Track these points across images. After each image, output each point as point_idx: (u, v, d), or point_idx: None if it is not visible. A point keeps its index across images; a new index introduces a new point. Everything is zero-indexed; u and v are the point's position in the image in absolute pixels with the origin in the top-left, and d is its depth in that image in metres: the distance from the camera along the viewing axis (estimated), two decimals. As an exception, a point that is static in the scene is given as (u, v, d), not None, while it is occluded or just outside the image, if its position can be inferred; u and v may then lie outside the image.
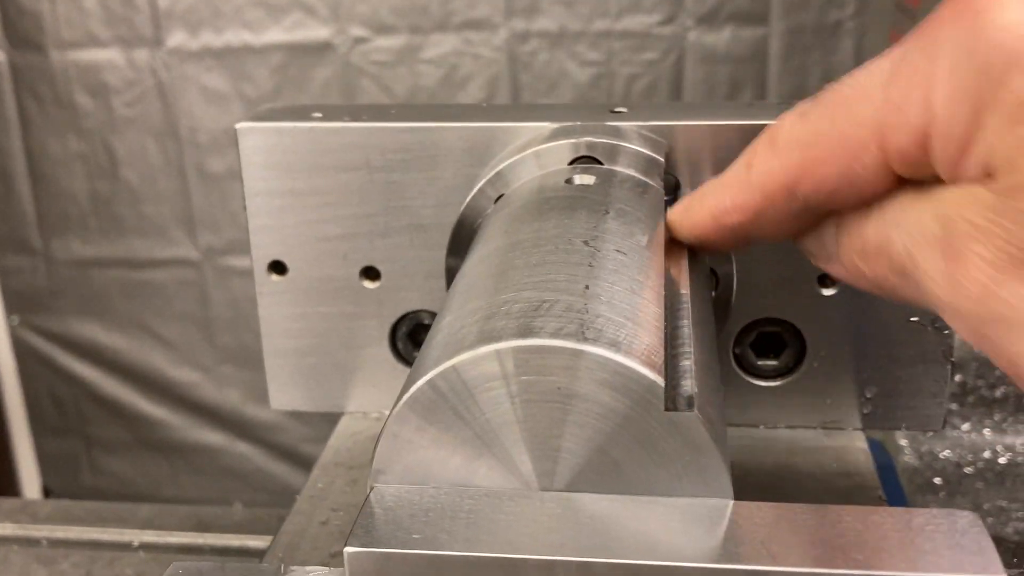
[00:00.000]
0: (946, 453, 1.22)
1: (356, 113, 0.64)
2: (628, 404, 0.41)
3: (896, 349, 0.64)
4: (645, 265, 0.49)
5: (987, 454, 1.21)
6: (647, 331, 0.43)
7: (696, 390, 0.42)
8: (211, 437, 2.56)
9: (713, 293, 0.62)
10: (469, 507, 0.42)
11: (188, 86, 2.32)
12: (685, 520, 0.41)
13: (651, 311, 0.45)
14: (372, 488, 0.44)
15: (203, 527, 0.80)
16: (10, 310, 2.49)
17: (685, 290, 0.50)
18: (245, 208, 0.65)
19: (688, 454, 0.41)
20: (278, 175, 0.64)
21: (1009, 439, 1.22)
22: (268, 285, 0.67)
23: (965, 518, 0.41)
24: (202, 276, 2.43)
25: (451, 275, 0.63)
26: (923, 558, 0.38)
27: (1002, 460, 1.20)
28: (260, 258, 0.66)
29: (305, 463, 2.67)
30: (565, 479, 0.43)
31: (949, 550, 0.39)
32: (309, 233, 0.65)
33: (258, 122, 0.63)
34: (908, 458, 1.23)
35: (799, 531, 0.40)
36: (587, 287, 0.45)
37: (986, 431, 1.22)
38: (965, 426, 1.23)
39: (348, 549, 0.40)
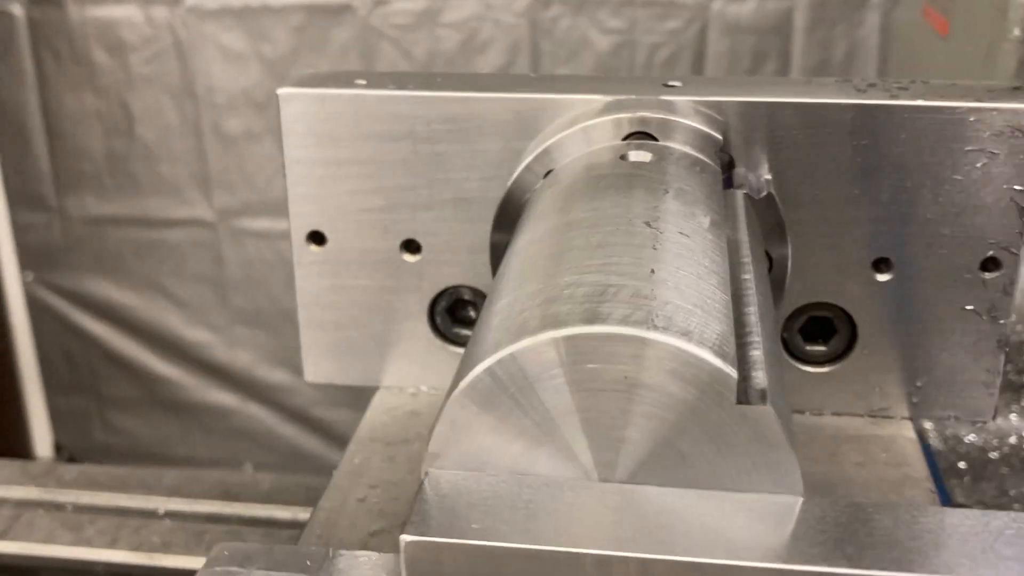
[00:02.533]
0: (971, 438, 1.21)
1: (401, 81, 0.62)
2: (698, 395, 0.39)
3: (949, 337, 0.62)
4: (709, 249, 0.47)
5: (1013, 439, 1.20)
6: (717, 319, 0.41)
7: (768, 383, 0.40)
8: (222, 397, 2.55)
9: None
10: (528, 496, 0.41)
11: (206, 45, 2.29)
12: (753, 516, 0.40)
13: (719, 298, 0.43)
14: (427, 473, 0.42)
15: (230, 496, 0.79)
16: (24, 266, 2.48)
17: (748, 275, 0.49)
18: (284, 176, 0.63)
19: (759, 448, 0.40)
20: (320, 143, 0.62)
21: (1036, 425, 1.20)
22: (307, 256, 0.65)
23: (1046, 522, 0.39)
24: (216, 237, 2.41)
25: (496, 251, 0.61)
26: (1004, 564, 0.37)
27: (1028, 445, 1.19)
28: (299, 228, 0.64)
29: (316, 426, 2.66)
30: (628, 470, 0.41)
31: (1031, 556, 0.37)
32: (350, 204, 0.63)
33: (301, 88, 0.61)
34: (933, 441, 1.22)
35: (874, 532, 0.39)
36: (653, 271, 0.43)
37: (1012, 416, 1.21)
38: (991, 410, 1.22)
39: (405, 537, 0.38)
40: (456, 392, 0.41)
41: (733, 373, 0.38)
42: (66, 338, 2.54)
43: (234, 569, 0.42)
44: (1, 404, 2.51)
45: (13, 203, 2.48)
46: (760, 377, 0.41)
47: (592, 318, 0.39)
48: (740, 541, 0.39)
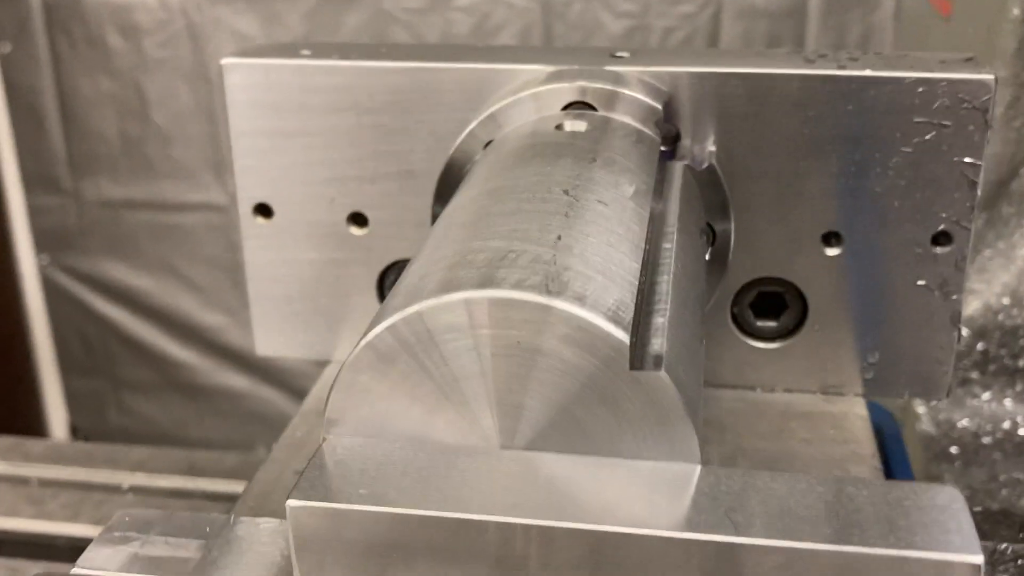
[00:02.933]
0: (964, 422, 1.19)
1: (346, 52, 0.61)
2: (593, 362, 0.38)
3: (902, 314, 0.61)
4: (627, 217, 0.46)
5: (1007, 425, 1.18)
6: (618, 286, 0.40)
7: (666, 349, 0.39)
8: (236, 381, 2.56)
9: (709, 250, 0.59)
10: (423, 462, 0.40)
11: (219, 29, 2.29)
12: (649, 485, 0.39)
13: (626, 265, 0.42)
14: (324, 440, 0.42)
15: (195, 472, 0.79)
16: (40, 249, 2.50)
17: (670, 244, 0.48)
18: (231, 147, 0.63)
19: (654, 415, 0.39)
20: (264, 114, 0.61)
21: (1031, 410, 1.18)
22: (254, 228, 0.65)
23: (946, 493, 0.38)
24: (230, 221, 2.42)
25: (440, 204, 0.61)
26: (896, 534, 0.36)
27: (1022, 431, 1.17)
28: (246, 200, 0.64)
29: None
30: (527, 437, 0.41)
31: (926, 527, 0.36)
32: (296, 176, 0.63)
33: (244, 58, 0.61)
34: (925, 426, 1.20)
35: (768, 501, 0.38)
36: (559, 237, 0.42)
37: (1007, 401, 1.19)
38: (986, 395, 1.20)
39: (290, 502, 0.38)
40: (356, 350, 0.41)
41: (626, 339, 0.38)
42: (81, 321, 2.56)
43: (131, 534, 0.42)
44: (17, 386, 2.54)
45: (28, 186, 2.51)
46: (658, 343, 0.40)
47: (486, 282, 0.39)
48: (636, 509, 0.38)
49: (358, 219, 0.64)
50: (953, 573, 0.35)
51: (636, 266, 0.43)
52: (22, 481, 0.78)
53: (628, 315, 0.39)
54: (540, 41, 2.27)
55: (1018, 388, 1.19)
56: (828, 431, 0.60)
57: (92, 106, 2.41)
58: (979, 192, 0.58)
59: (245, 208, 0.64)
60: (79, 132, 2.43)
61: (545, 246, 0.41)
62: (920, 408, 1.19)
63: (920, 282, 0.60)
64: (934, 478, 1.16)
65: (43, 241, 2.53)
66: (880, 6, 2.16)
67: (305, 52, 0.61)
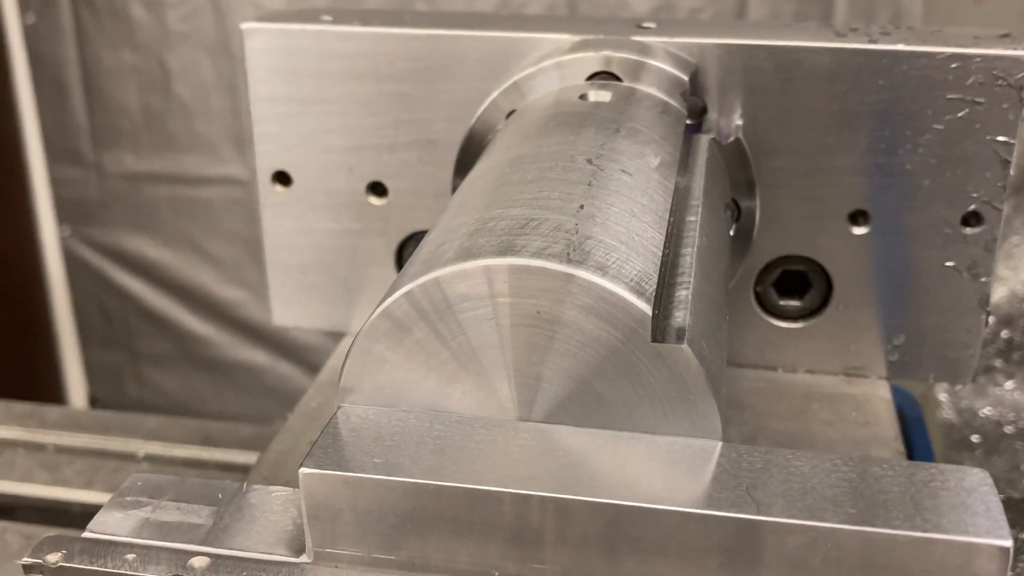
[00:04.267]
0: (986, 411, 1.18)
1: (367, 18, 0.60)
2: (613, 333, 0.37)
3: (928, 296, 0.59)
4: (651, 188, 0.45)
5: (1030, 414, 1.16)
6: (641, 257, 0.39)
7: (689, 322, 0.38)
8: (255, 356, 2.57)
9: (734, 226, 0.58)
10: (439, 433, 0.39)
11: (242, 3, 2.28)
12: (669, 460, 0.38)
13: (649, 236, 0.41)
14: (339, 408, 0.41)
15: (209, 442, 0.79)
16: (61, 220, 2.51)
17: (695, 217, 0.47)
18: (250, 112, 0.62)
19: (675, 390, 0.38)
20: (284, 80, 0.61)
21: (1055, 400, 1.17)
22: (272, 196, 0.64)
23: (975, 476, 0.37)
24: (251, 195, 2.42)
25: (461, 174, 0.60)
26: (922, 515, 0.35)
27: (1046, 421, 1.15)
28: (264, 168, 0.63)
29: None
30: (544, 410, 0.40)
31: (953, 509, 0.35)
32: (315, 143, 0.62)
33: (265, 23, 0.60)
34: (947, 414, 1.19)
35: (790, 479, 0.37)
36: (582, 207, 0.41)
37: (1032, 391, 1.17)
38: (1008, 384, 1.18)
39: (303, 470, 0.37)
40: (372, 318, 0.40)
41: (648, 310, 0.37)
42: (101, 293, 2.57)
43: (143, 499, 0.41)
44: (38, 357, 2.55)
45: (51, 158, 2.51)
46: (680, 316, 0.39)
47: (505, 250, 0.38)
48: (655, 485, 0.37)
49: (377, 188, 0.63)
50: (980, 556, 0.34)
51: (660, 237, 0.41)
52: (38, 447, 0.78)
53: (651, 287, 0.38)
54: (564, 19, 2.25)
55: (1043, 377, 1.17)
56: (850, 413, 0.59)
57: (115, 79, 2.41)
58: (1011, 172, 0.56)
59: (264, 175, 0.63)
60: (102, 105, 2.43)
61: (567, 215, 0.40)
62: (941, 396, 1.18)
63: (948, 263, 0.58)
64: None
65: (65, 213, 2.53)
66: (909, -12, 2.13)
67: (326, 18, 0.60)
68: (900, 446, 0.56)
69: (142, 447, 0.78)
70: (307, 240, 0.64)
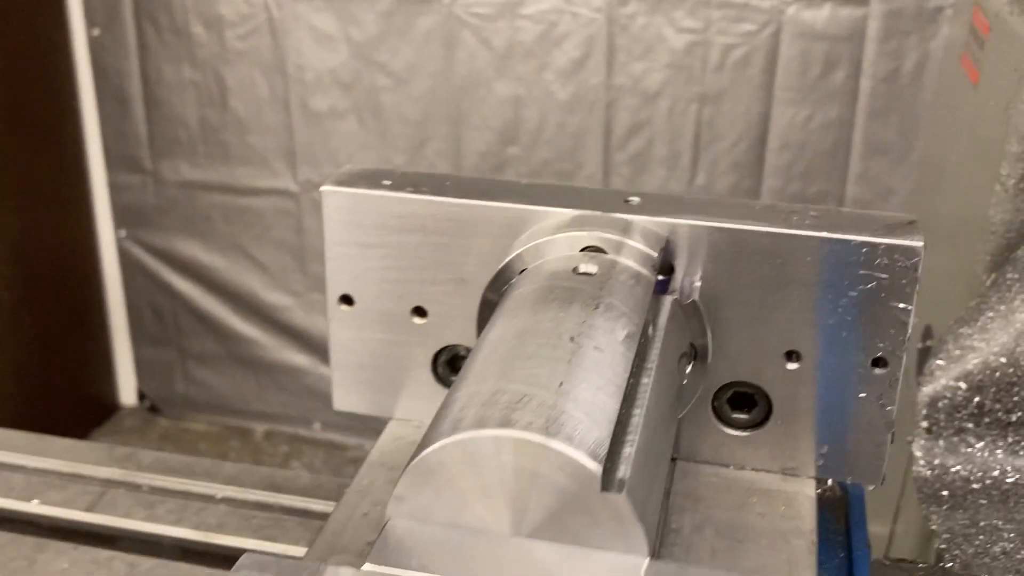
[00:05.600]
0: (957, 468, 1.37)
1: (417, 183, 0.81)
2: (575, 484, 0.58)
3: (846, 418, 0.79)
4: (615, 361, 0.65)
5: (996, 473, 1.35)
6: (599, 426, 0.60)
7: (628, 474, 0.59)
8: (297, 358, 2.80)
9: (693, 360, 0.78)
10: (457, 542, 0.60)
11: (298, 25, 2.50)
12: (610, 570, 0.59)
13: (608, 406, 0.62)
14: (388, 519, 0.62)
15: (275, 488, 1.00)
16: (118, 224, 2.75)
17: (647, 379, 0.67)
18: (324, 252, 0.83)
19: (616, 522, 0.59)
20: (352, 230, 0.81)
21: (1020, 461, 1.35)
22: (338, 313, 0.85)
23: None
24: (299, 207, 2.64)
25: (484, 306, 0.80)
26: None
27: (1009, 480, 1.34)
28: (333, 292, 0.84)
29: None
30: (528, 529, 0.61)
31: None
32: (373, 276, 0.83)
33: (339, 187, 0.81)
34: (922, 469, 1.38)
35: (689, 590, 0.57)
36: (561, 384, 0.62)
37: (999, 452, 1.36)
38: (979, 444, 1.37)
39: (367, 567, 0.58)
40: (415, 459, 0.61)
41: (599, 471, 0.57)
42: (154, 293, 2.80)
43: (254, 574, 0.63)
44: (91, 353, 2.79)
45: (111, 165, 2.74)
46: (623, 470, 0.59)
47: (505, 423, 0.59)
48: (600, 586, 0.58)
49: (419, 311, 0.84)
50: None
51: (616, 405, 0.62)
52: (136, 487, 1.00)
53: (603, 451, 0.58)
54: (603, 53, 2.43)
55: (1009, 440, 1.36)
56: (780, 507, 0.79)
57: (174, 92, 2.63)
58: (910, 330, 0.76)
59: (332, 297, 0.84)
60: (161, 116, 2.65)
61: (550, 391, 0.61)
62: (917, 452, 1.37)
63: (861, 395, 0.78)
64: (925, 519, 1.34)
65: (122, 217, 2.76)
66: (936, 35, 2.30)
67: (386, 182, 0.81)
68: (814, 537, 0.76)
69: (220, 490, 1.00)
70: (363, 347, 0.85)
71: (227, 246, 2.72)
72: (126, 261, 2.78)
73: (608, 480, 0.59)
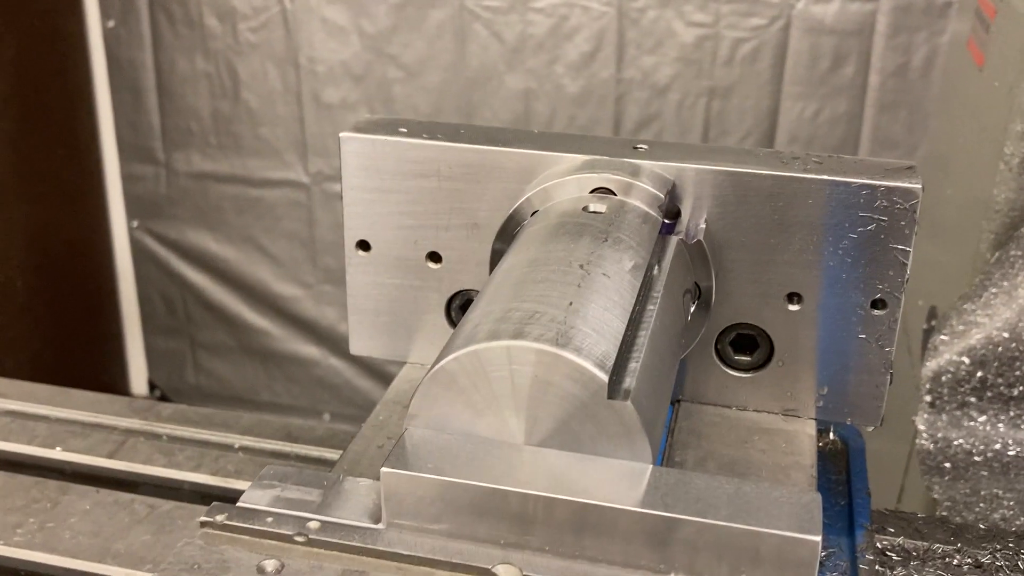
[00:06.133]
0: (959, 441, 1.40)
1: (432, 131, 0.85)
2: (584, 392, 0.62)
3: (846, 359, 0.83)
4: (623, 287, 0.69)
5: (997, 446, 1.39)
6: (607, 340, 0.64)
7: (634, 386, 0.63)
8: (307, 349, 2.83)
9: (695, 304, 0.82)
10: (470, 449, 0.64)
11: (310, 18, 2.55)
12: (616, 476, 0.62)
13: (615, 325, 0.65)
14: (406, 429, 0.66)
15: (292, 438, 1.04)
16: (131, 214, 2.79)
17: (653, 306, 0.71)
18: (342, 198, 0.87)
19: (622, 430, 0.62)
20: (369, 175, 0.85)
21: (1022, 435, 1.39)
22: (355, 258, 0.89)
23: (810, 496, 0.61)
24: (310, 199, 2.69)
25: (495, 256, 0.84)
26: (767, 515, 0.59)
27: (1011, 452, 1.37)
28: (351, 237, 0.88)
29: (391, 381, 2.94)
30: (539, 438, 0.64)
31: (786, 515, 0.59)
32: (390, 222, 0.86)
33: (357, 133, 0.85)
34: (924, 442, 1.41)
35: (690, 491, 0.61)
36: (571, 303, 0.65)
37: (1000, 425, 1.39)
38: (981, 418, 1.40)
39: (383, 469, 0.62)
40: (431, 371, 0.64)
41: (606, 378, 0.61)
42: (165, 284, 2.85)
43: (275, 483, 0.66)
44: (103, 341, 2.83)
45: (124, 156, 2.78)
46: (628, 382, 0.63)
47: (518, 335, 0.62)
48: (607, 490, 0.62)
49: (434, 256, 0.87)
50: (795, 546, 0.57)
51: (622, 326, 0.66)
52: (155, 436, 1.04)
53: (610, 362, 0.62)
54: (613, 46, 2.47)
55: (1011, 413, 1.39)
56: (781, 444, 0.82)
57: (187, 83, 2.68)
58: (908, 271, 0.79)
59: (350, 242, 0.88)
60: (174, 107, 2.70)
61: (560, 309, 0.65)
62: (921, 425, 1.40)
63: (861, 336, 0.82)
64: (927, 490, 1.37)
65: (135, 207, 2.81)
66: (945, 30, 2.34)
67: (402, 130, 0.85)
68: (814, 472, 0.80)
69: (238, 440, 1.04)
70: (379, 292, 0.89)
71: (238, 237, 2.76)
72: (138, 251, 2.82)
73: (614, 389, 0.62)
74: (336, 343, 2.80)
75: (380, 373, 2.79)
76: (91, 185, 2.72)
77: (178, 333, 2.88)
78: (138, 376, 2.90)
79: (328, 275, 2.74)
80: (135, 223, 2.81)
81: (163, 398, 2.91)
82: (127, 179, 2.77)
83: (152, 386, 2.92)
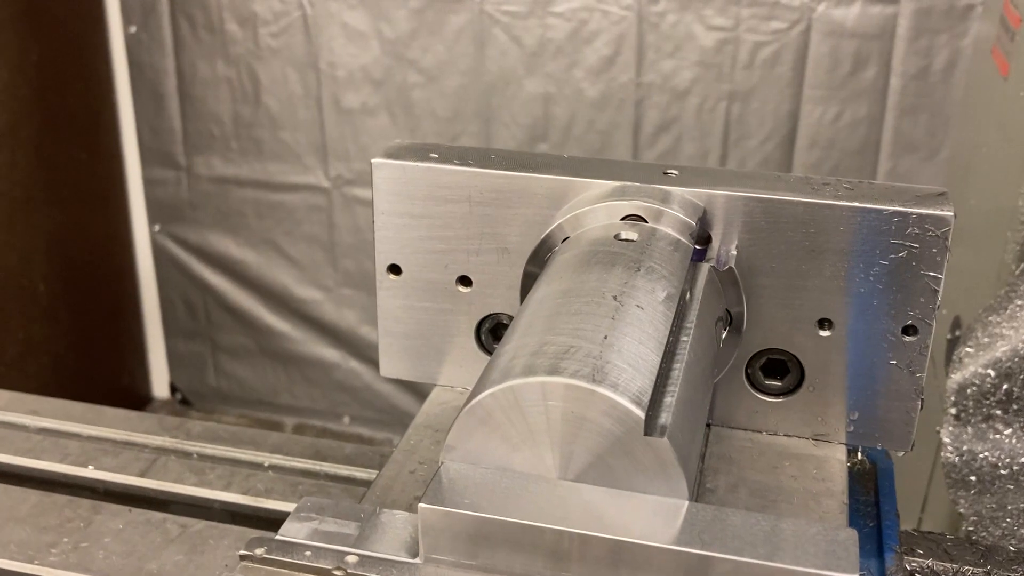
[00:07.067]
0: (985, 454, 1.40)
1: (463, 156, 0.85)
2: (620, 428, 0.62)
3: (877, 384, 0.83)
4: (657, 319, 0.69)
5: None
6: (642, 375, 0.64)
7: (670, 422, 0.63)
8: (327, 353, 2.84)
9: (727, 329, 0.82)
10: (506, 484, 0.64)
11: (331, 22, 2.55)
12: (652, 512, 0.63)
13: (650, 359, 0.65)
14: (442, 462, 0.66)
15: (320, 456, 1.04)
16: (153, 219, 2.80)
17: (687, 337, 0.71)
18: (373, 222, 0.87)
19: (659, 466, 0.62)
20: (401, 200, 0.86)
21: (1048, 447, 1.38)
22: (386, 282, 0.89)
23: (844, 532, 0.61)
24: (330, 203, 2.69)
25: (526, 279, 0.84)
26: (805, 555, 0.59)
27: (1037, 465, 1.37)
28: (382, 261, 0.88)
29: (409, 385, 2.94)
30: (574, 473, 0.64)
31: (823, 553, 0.59)
32: (420, 246, 0.87)
33: (389, 159, 0.85)
34: (950, 455, 1.41)
35: (727, 528, 0.61)
36: (606, 337, 0.66)
37: (1027, 438, 1.39)
38: (1007, 431, 1.40)
39: (421, 505, 0.62)
40: (467, 407, 0.65)
41: (642, 415, 0.61)
42: (187, 287, 2.86)
43: (312, 515, 0.67)
44: (125, 344, 2.85)
45: (146, 160, 2.80)
46: (665, 417, 0.63)
47: (553, 371, 0.63)
48: (642, 527, 0.62)
49: (464, 280, 0.88)
50: (835, 583, 0.58)
51: (657, 359, 0.66)
52: (187, 455, 1.05)
53: (646, 398, 0.62)
54: (633, 50, 2.47)
55: (1038, 426, 1.39)
56: (812, 470, 0.82)
57: (209, 88, 2.69)
58: (939, 298, 0.79)
59: (381, 267, 0.88)
60: (195, 112, 2.71)
61: (595, 343, 0.65)
62: (946, 438, 1.40)
63: (892, 361, 0.82)
64: (953, 504, 1.37)
65: (156, 211, 2.82)
66: (967, 33, 2.33)
67: (433, 156, 0.85)
68: (845, 498, 0.80)
69: (267, 458, 1.04)
70: (409, 315, 0.89)
71: (259, 241, 2.77)
72: (160, 255, 2.83)
73: (651, 425, 0.62)
74: (356, 346, 2.81)
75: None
76: (113, 190, 2.74)
77: (199, 336, 2.89)
78: (159, 379, 2.92)
79: (348, 278, 2.75)
80: (157, 227, 2.82)
81: (184, 401, 2.92)
82: (149, 183, 2.78)
83: (173, 389, 2.94)
